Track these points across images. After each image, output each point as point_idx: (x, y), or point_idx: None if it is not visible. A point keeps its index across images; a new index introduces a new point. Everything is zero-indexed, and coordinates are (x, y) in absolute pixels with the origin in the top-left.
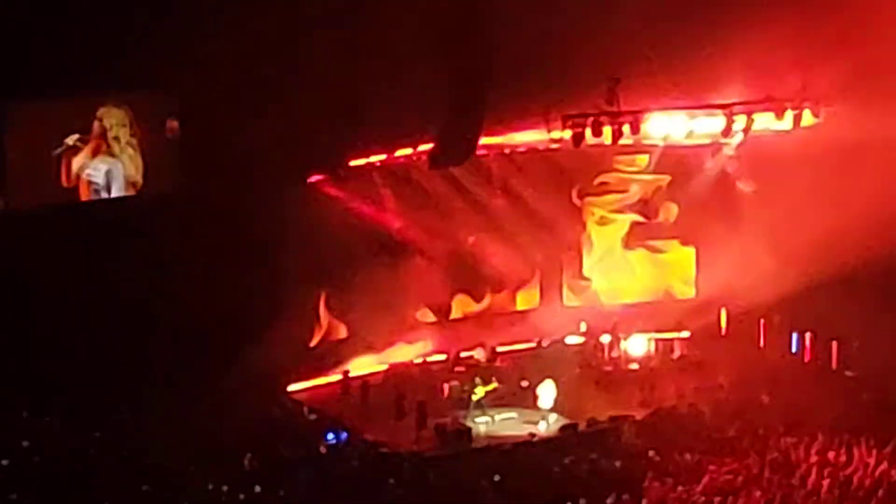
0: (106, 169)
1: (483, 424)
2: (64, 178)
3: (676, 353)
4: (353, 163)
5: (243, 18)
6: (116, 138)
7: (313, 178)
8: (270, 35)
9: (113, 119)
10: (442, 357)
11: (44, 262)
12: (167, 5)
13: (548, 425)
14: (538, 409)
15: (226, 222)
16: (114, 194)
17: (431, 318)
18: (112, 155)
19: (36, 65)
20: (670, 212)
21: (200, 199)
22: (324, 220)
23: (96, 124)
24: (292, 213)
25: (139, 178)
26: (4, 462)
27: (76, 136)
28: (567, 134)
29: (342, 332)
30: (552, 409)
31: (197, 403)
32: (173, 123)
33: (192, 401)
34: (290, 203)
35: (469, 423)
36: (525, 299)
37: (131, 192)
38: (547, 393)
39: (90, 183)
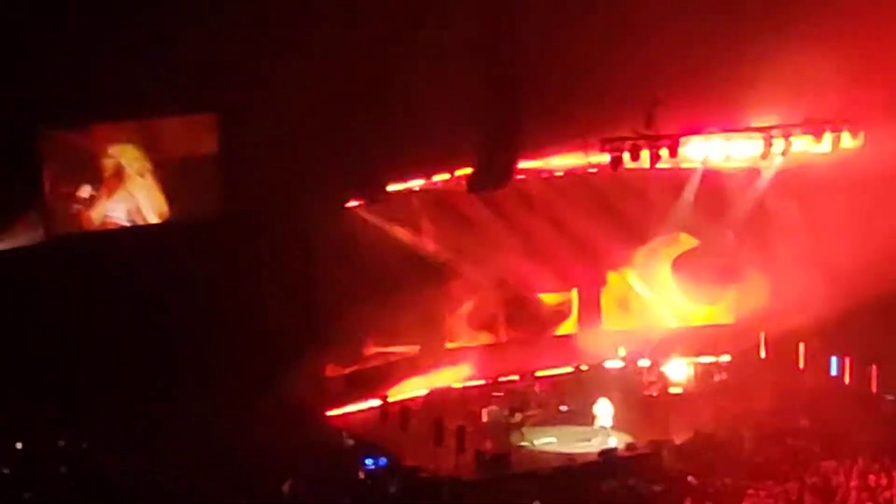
0: (126, 208)
1: (523, 447)
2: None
3: (716, 378)
4: (391, 187)
5: (284, 44)
6: (129, 174)
7: (352, 203)
8: (309, 61)
9: (127, 155)
10: (481, 382)
11: (83, 287)
12: (208, 28)
13: (603, 442)
14: (582, 428)
15: (265, 246)
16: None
17: (471, 342)
18: (128, 191)
19: (71, 92)
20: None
21: (239, 223)
22: (363, 245)
23: (109, 163)
24: (332, 237)
25: (164, 208)
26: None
27: (88, 187)
28: (605, 157)
29: (382, 357)
30: (613, 427)
31: (235, 428)
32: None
33: (230, 426)
34: (330, 227)
35: (508, 447)
36: (564, 324)
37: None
38: (604, 411)
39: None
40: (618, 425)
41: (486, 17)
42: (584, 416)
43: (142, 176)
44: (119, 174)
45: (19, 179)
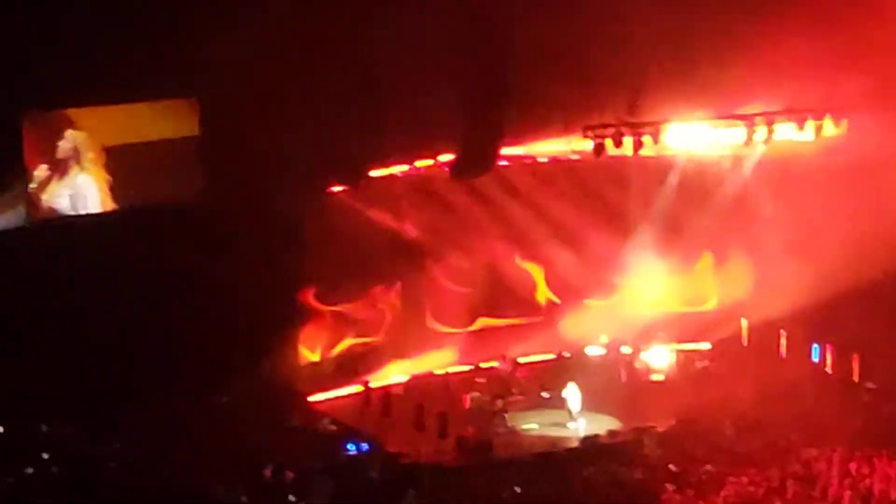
0: (68, 192)
1: (504, 433)
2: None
3: (698, 365)
4: (373, 173)
5: (264, 28)
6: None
7: (334, 189)
8: (291, 45)
9: (79, 140)
10: (463, 368)
11: (65, 273)
12: (190, 13)
13: (578, 427)
14: (562, 412)
15: (246, 232)
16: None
17: (453, 328)
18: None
19: (53, 74)
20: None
21: (220, 208)
22: (345, 231)
23: (65, 146)
24: (314, 222)
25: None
26: (26, 472)
27: (44, 166)
28: (588, 144)
29: (363, 342)
30: (581, 411)
31: (216, 414)
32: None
33: (211, 411)
34: (312, 213)
35: (490, 433)
36: (545, 309)
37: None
38: (573, 396)
39: (56, 210)
40: (598, 409)
41: (470, 4)
42: (564, 402)
43: (95, 163)
44: (71, 160)
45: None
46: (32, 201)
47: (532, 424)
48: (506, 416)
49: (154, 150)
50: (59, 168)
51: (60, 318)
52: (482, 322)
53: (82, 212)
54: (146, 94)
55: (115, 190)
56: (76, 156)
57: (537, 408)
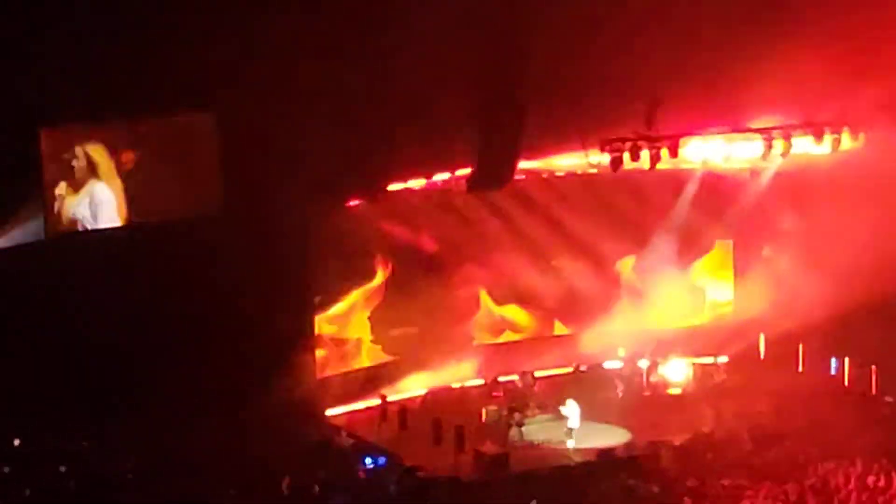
0: (88, 201)
1: (521, 447)
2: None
3: (715, 378)
4: (391, 187)
5: (280, 43)
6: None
7: (352, 202)
8: (307, 60)
9: (97, 152)
10: (480, 382)
11: (80, 287)
12: (205, 27)
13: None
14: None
15: (264, 245)
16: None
17: (470, 342)
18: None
19: (70, 90)
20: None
21: (238, 223)
22: (362, 244)
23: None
24: (331, 235)
25: (139, 208)
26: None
27: (63, 183)
28: (605, 158)
29: (381, 356)
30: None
31: (234, 427)
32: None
33: (229, 425)
34: (329, 225)
35: (507, 447)
36: (563, 323)
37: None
38: (572, 413)
39: (78, 221)
40: (614, 422)
41: (486, 17)
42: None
43: (112, 175)
44: (86, 173)
45: (18, 177)
46: (52, 214)
47: (548, 437)
48: (522, 430)
49: (171, 164)
50: (77, 179)
51: (74, 332)
52: (505, 336)
53: (101, 223)
54: (162, 107)
55: (132, 202)
56: (93, 167)
57: (544, 421)
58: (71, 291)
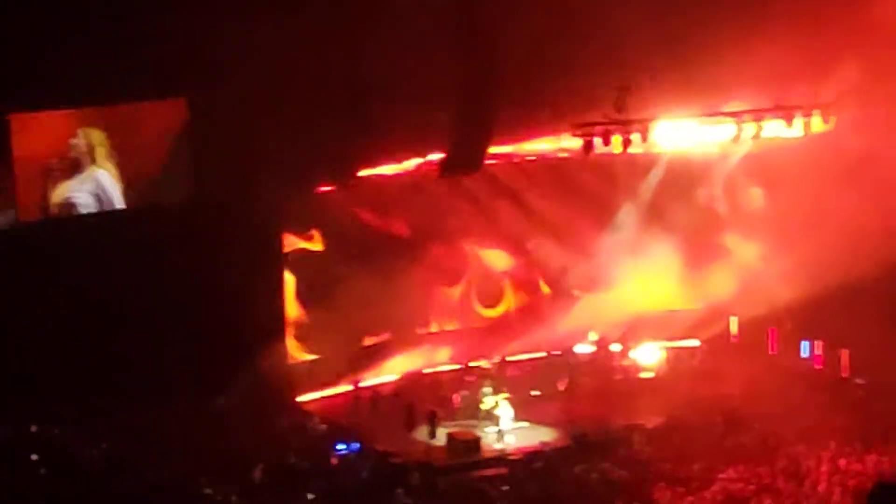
0: (90, 191)
1: (493, 433)
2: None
3: (687, 362)
4: (362, 172)
5: (253, 28)
6: (95, 158)
7: (322, 188)
8: (280, 45)
9: (94, 139)
10: (452, 367)
11: (52, 273)
12: (178, 14)
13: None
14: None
15: (234, 231)
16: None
17: (441, 327)
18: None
19: (41, 75)
20: None
21: (208, 209)
22: (333, 228)
23: (75, 145)
24: (302, 221)
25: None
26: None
27: (55, 159)
28: (577, 142)
29: (352, 342)
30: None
31: (206, 414)
32: None
33: (201, 412)
34: (301, 211)
35: (479, 433)
36: (534, 307)
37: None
38: (505, 413)
39: (75, 206)
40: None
41: (458, 4)
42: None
43: (108, 160)
44: (85, 157)
45: None
46: (24, 199)
47: (522, 423)
48: (495, 414)
49: (146, 151)
50: (73, 165)
51: (49, 318)
52: (471, 317)
53: (107, 207)
54: (134, 93)
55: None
56: (90, 152)
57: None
58: (41, 278)
